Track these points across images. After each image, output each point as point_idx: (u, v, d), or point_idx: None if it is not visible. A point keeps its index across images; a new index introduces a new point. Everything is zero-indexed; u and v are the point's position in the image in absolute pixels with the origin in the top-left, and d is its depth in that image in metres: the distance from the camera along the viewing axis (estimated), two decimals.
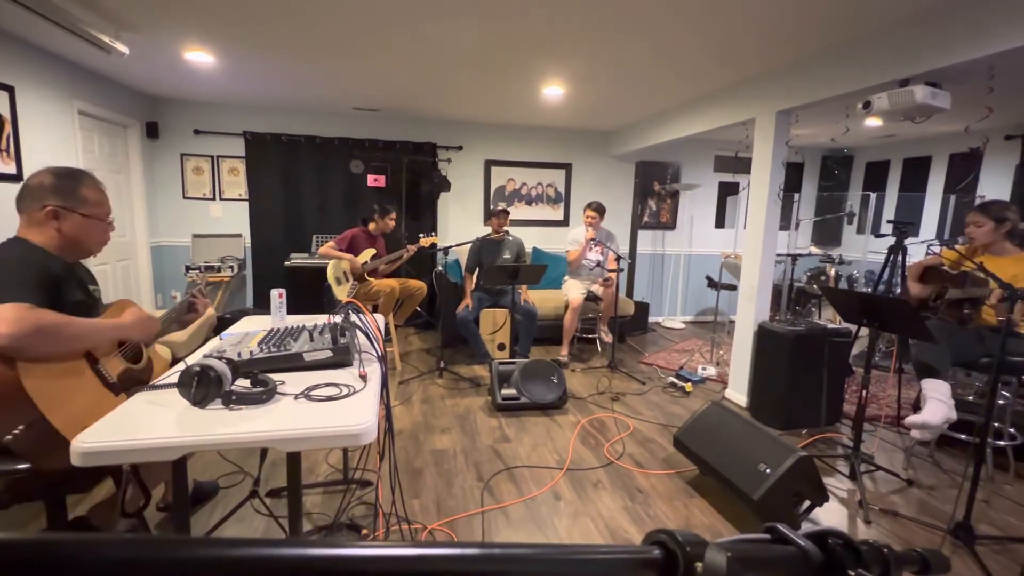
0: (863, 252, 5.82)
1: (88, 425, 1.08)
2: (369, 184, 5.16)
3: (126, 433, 1.08)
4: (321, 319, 1.84)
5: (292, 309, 2.01)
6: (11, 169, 3.03)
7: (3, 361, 1.20)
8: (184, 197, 4.95)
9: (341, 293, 3.76)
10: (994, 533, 2.12)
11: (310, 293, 4.29)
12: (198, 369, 1.19)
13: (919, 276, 2.85)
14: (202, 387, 1.19)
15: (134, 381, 1.52)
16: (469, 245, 4.25)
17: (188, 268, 4.63)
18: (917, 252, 2.86)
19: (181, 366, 1.25)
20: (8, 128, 3.00)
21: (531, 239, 5.53)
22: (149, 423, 1.13)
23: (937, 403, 2.38)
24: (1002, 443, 2.57)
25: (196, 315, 1.77)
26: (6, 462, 1.27)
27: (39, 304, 1.28)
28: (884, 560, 0.38)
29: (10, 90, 3.01)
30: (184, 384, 1.19)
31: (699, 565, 0.31)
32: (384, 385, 1.45)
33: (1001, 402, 2.55)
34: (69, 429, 1.22)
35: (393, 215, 4.12)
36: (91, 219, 1.49)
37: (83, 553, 0.22)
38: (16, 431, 1.22)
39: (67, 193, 1.44)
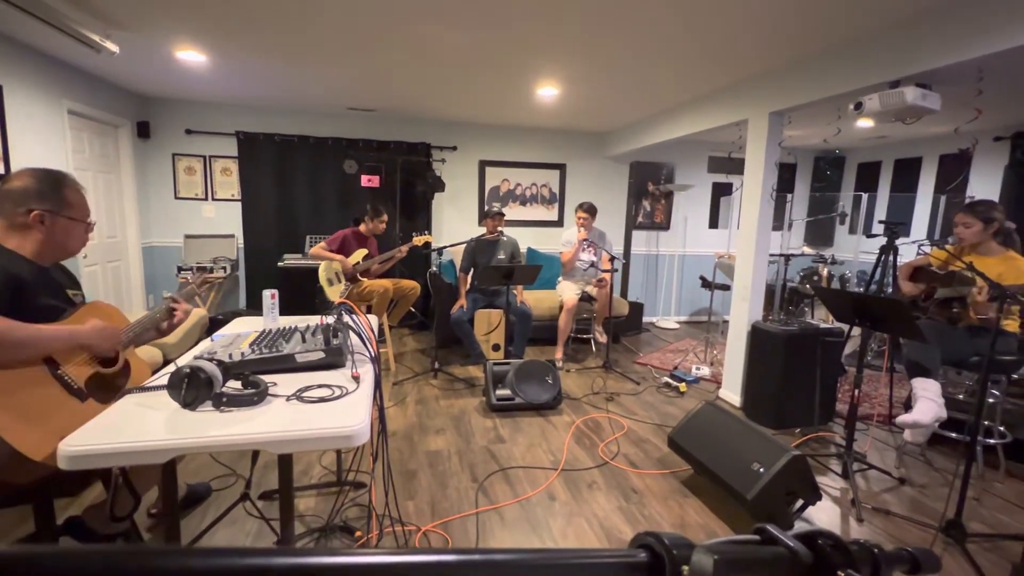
0: (855, 252, 5.85)
1: (51, 437, 0.99)
2: (363, 184, 5.14)
3: (114, 436, 1.06)
4: (314, 320, 1.83)
5: (285, 310, 1.99)
6: None
7: None
8: (176, 197, 4.91)
9: (333, 294, 3.74)
10: (985, 531, 2.13)
11: (303, 294, 4.26)
12: (188, 371, 1.17)
13: (909, 276, 2.87)
14: (192, 389, 1.17)
15: (107, 386, 1.46)
16: (464, 245, 4.24)
17: (180, 269, 4.60)
18: (908, 252, 2.88)
19: (171, 367, 1.24)
20: None
21: (525, 239, 5.53)
22: (138, 425, 1.12)
23: (928, 402, 2.40)
24: (992, 441, 2.59)
25: (176, 321, 1.66)
26: None
27: None
28: (874, 560, 0.38)
29: None
30: (174, 386, 1.18)
31: (686, 568, 0.30)
32: (377, 386, 1.44)
33: (991, 400, 2.58)
34: (29, 444, 1.16)
35: (385, 217, 4.06)
36: (75, 221, 1.46)
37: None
38: None
39: (51, 197, 1.41)
